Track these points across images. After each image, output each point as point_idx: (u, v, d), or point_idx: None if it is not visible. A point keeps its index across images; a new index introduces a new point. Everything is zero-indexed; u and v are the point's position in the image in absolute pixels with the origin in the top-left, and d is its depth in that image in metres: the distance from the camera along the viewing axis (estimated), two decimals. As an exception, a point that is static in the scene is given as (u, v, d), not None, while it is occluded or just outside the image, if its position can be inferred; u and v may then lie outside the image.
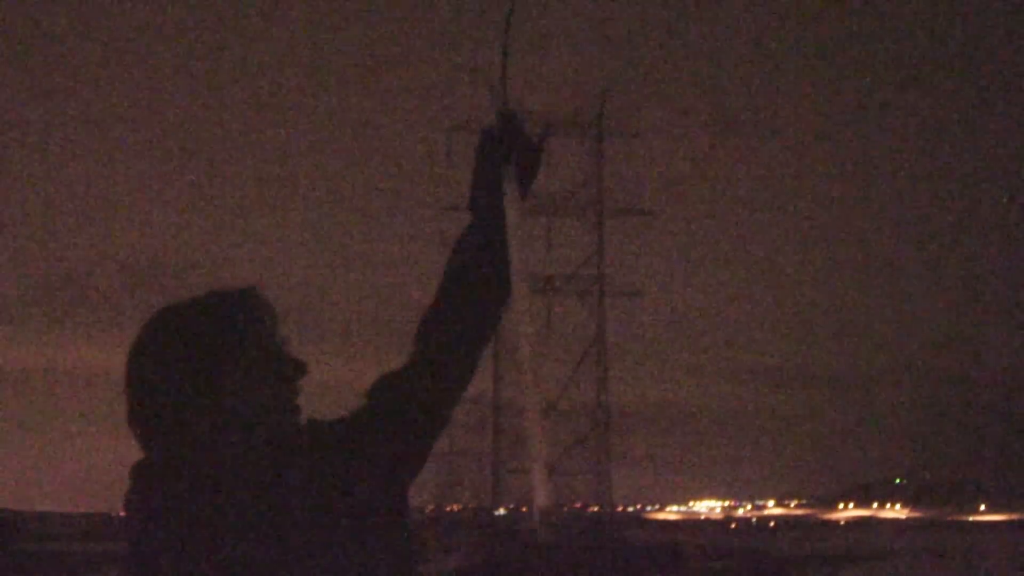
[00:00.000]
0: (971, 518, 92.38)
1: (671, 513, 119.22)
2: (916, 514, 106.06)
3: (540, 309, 47.16)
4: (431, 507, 54.93)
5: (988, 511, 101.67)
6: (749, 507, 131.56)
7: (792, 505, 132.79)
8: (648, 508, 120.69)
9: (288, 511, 1.83)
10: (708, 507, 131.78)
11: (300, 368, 1.92)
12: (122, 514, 1.89)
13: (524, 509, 60.03)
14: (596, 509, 51.87)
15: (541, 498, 1.84)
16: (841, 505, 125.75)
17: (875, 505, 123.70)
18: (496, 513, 54.33)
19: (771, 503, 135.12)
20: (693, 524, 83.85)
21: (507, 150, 2.09)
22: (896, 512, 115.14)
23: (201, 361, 1.85)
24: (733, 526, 78.78)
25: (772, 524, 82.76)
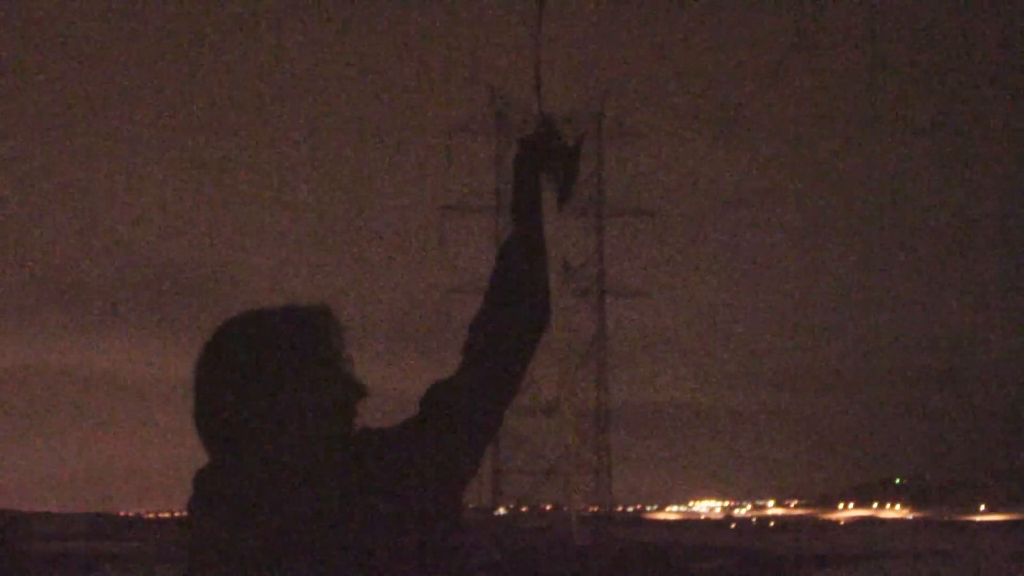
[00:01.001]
0: (971, 518, 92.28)
1: (671, 513, 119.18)
2: (916, 514, 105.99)
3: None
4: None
5: (988, 511, 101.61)
6: (749, 507, 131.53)
7: (792, 505, 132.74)
8: (648, 508, 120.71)
9: (344, 518, 1.87)
10: (708, 507, 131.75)
11: (360, 391, 1.95)
12: (186, 516, 1.94)
13: (524, 508, 60.06)
14: (596, 509, 51.88)
15: (577, 501, 1.87)
16: (841, 505, 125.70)
17: (875, 505, 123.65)
18: (496, 513, 54.34)
19: (771, 503, 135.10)
20: (693, 524, 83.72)
21: (545, 157, 2.10)
22: (896, 512, 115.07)
23: (271, 371, 1.88)
24: (733, 526, 78.68)
25: (772, 524, 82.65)
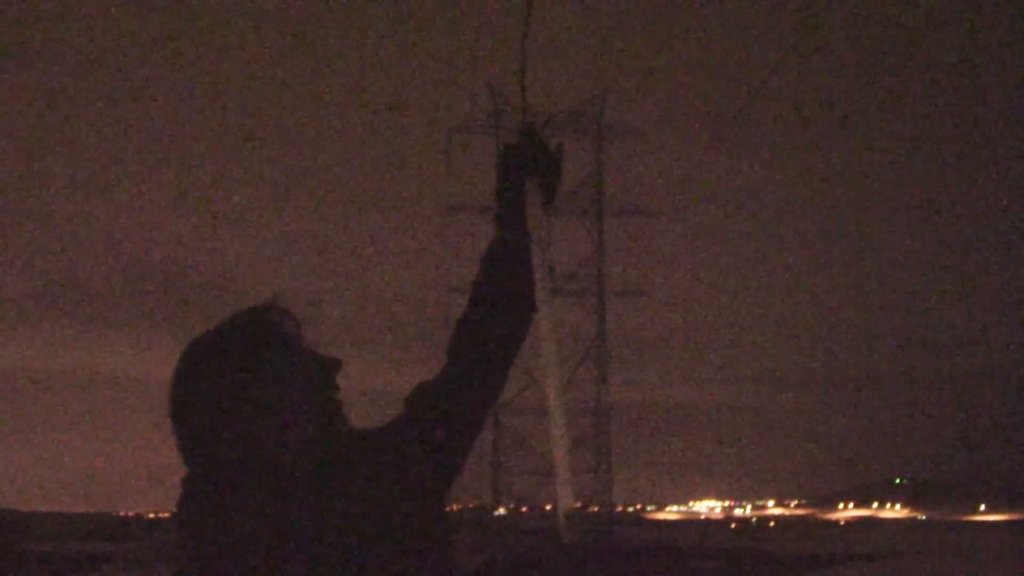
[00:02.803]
0: (971, 518, 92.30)
1: (671, 513, 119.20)
2: (916, 514, 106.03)
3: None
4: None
5: (988, 511, 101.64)
6: (749, 507, 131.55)
7: (792, 505, 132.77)
8: (648, 508, 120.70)
9: (329, 519, 1.88)
10: (708, 507, 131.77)
11: (334, 364, 1.98)
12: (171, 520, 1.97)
13: (524, 509, 60.08)
14: (596, 509, 51.89)
15: (565, 500, 1.87)
16: (841, 505, 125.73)
17: (875, 505, 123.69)
18: (496, 513, 54.35)
19: (771, 503, 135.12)
20: (693, 524, 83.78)
21: (528, 164, 2.14)
22: (896, 512, 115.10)
23: (234, 382, 1.90)
24: (733, 526, 78.72)
25: (772, 524, 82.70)
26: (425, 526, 1.97)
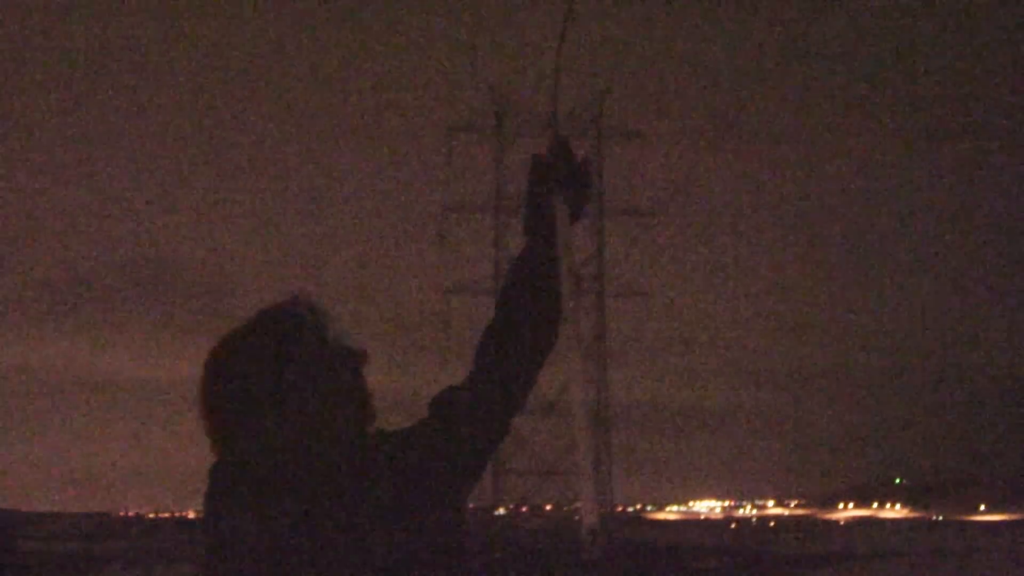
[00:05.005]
0: (971, 518, 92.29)
1: (671, 513, 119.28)
2: (916, 514, 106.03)
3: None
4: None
5: (988, 511, 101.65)
6: (749, 507, 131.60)
7: (792, 505, 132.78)
8: (648, 508, 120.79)
9: (349, 516, 1.91)
10: (708, 507, 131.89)
11: (359, 356, 2.02)
12: (194, 513, 1.99)
13: (524, 509, 60.08)
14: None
15: (589, 516, 1.86)
16: (841, 505, 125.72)
17: (875, 505, 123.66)
18: (496, 513, 54.35)
19: (771, 503, 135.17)
20: (693, 524, 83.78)
21: (558, 175, 2.17)
22: (896, 512, 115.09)
23: (261, 375, 1.95)
24: (733, 526, 78.72)
25: (772, 524, 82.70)
26: (443, 530, 2.00)
